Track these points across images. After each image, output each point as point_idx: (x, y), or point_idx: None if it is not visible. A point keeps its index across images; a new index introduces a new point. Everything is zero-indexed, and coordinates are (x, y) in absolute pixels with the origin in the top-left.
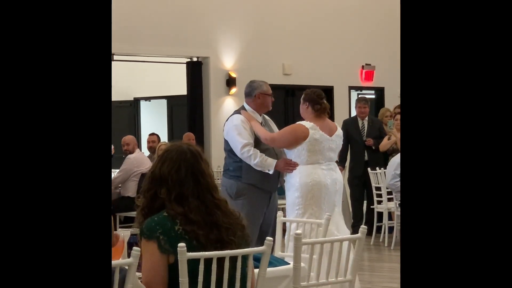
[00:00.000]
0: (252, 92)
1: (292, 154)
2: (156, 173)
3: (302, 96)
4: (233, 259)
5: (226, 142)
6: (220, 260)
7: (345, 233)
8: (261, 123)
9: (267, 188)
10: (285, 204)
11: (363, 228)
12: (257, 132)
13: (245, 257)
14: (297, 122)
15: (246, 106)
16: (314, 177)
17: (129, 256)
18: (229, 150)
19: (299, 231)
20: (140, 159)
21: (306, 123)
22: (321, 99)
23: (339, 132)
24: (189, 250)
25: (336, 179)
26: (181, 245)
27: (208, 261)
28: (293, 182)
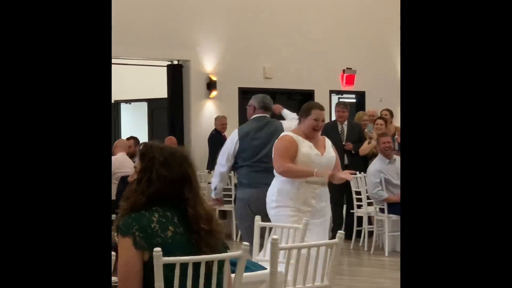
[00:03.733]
0: None
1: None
2: (177, 173)
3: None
4: (209, 264)
5: None
6: (196, 265)
7: None
8: None
9: None
10: None
11: (340, 233)
12: None
13: (221, 262)
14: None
15: None
16: None
17: None
18: None
19: (275, 236)
20: (122, 161)
21: None
22: None
23: None
24: (163, 247)
25: None
26: (157, 249)
27: (184, 266)
28: None
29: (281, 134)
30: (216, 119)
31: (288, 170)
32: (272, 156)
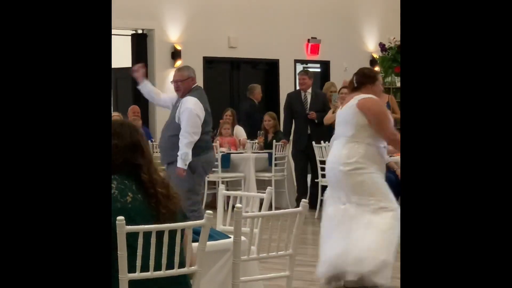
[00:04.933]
0: None
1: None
2: (128, 141)
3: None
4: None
5: None
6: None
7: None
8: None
9: None
10: (229, 178)
11: (304, 202)
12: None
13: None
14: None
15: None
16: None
17: None
18: None
19: (239, 205)
20: None
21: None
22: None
23: (350, 103)
24: (122, 212)
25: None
26: (120, 218)
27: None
28: None
29: (368, 96)
30: (254, 88)
31: (399, 140)
32: (373, 121)
